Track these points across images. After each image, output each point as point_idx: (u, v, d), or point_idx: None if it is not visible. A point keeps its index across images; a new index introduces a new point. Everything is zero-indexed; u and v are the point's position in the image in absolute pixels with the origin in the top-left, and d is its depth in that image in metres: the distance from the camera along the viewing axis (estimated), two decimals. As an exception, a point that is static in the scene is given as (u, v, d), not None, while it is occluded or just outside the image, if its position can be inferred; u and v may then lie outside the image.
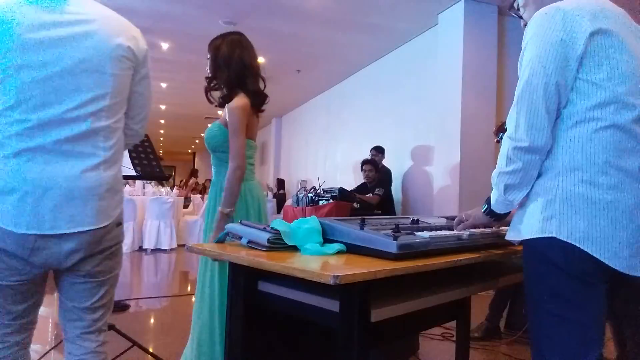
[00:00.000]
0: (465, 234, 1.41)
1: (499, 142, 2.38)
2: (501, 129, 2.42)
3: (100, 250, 1.29)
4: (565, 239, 1.12)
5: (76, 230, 1.21)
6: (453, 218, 1.62)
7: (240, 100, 1.96)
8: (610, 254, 1.10)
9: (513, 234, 1.26)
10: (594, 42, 1.13)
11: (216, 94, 2.10)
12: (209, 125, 2.09)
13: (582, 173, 1.13)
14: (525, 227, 1.21)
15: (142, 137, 1.54)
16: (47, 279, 1.33)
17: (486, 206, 1.36)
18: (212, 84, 2.08)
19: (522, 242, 1.25)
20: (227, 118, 1.96)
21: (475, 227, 1.46)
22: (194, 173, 12.46)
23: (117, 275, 1.39)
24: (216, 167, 2.07)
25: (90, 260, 1.28)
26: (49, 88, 1.19)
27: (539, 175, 1.21)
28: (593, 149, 1.13)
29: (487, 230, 1.51)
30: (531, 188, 1.23)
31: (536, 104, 1.14)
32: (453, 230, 1.49)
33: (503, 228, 1.55)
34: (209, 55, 2.08)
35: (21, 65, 1.17)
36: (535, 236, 1.17)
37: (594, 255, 1.10)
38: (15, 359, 1.26)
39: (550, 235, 1.14)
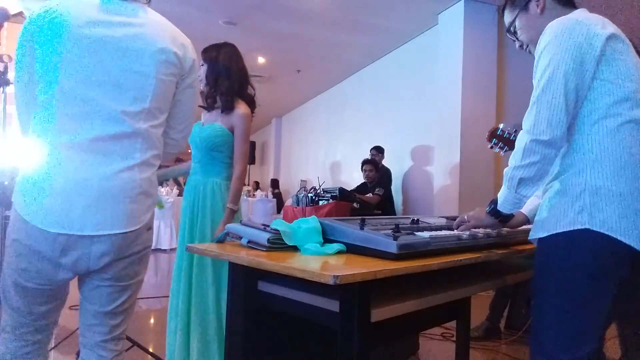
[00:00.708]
0: (465, 234, 1.41)
1: (492, 147, 2.39)
2: (494, 134, 2.42)
3: (129, 254, 1.26)
4: (598, 229, 1.18)
5: (106, 233, 1.19)
6: (453, 218, 1.62)
7: (247, 108, 2.14)
8: (638, 239, 1.18)
9: (541, 232, 1.29)
10: (609, 45, 1.22)
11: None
12: (206, 125, 2.15)
13: (608, 166, 1.20)
14: (554, 223, 1.25)
15: (183, 148, 1.51)
16: None
17: (491, 207, 1.38)
18: (212, 91, 2.15)
19: (542, 239, 1.28)
20: (234, 123, 2.10)
21: (477, 228, 1.47)
22: None
23: (141, 280, 1.36)
24: (206, 165, 2.13)
25: (118, 263, 1.25)
26: (91, 85, 1.18)
27: (563, 172, 1.26)
28: (616, 143, 1.20)
29: (488, 230, 1.51)
30: (555, 186, 1.27)
31: (557, 102, 1.20)
32: (453, 230, 1.49)
33: (503, 229, 1.56)
34: (203, 63, 2.15)
35: (67, 58, 1.16)
36: (566, 229, 1.22)
37: (625, 242, 1.17)
38: (33, 357, 1.25)
39: (583, 227, 1.19)
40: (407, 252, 1.20)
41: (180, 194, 8.64)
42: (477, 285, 1.52)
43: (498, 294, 3.22)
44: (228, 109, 2.10)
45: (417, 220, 1.60)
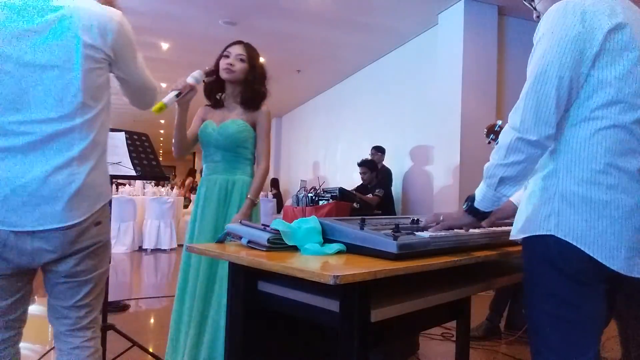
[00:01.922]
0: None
1: (490, 143, 2.40)
2: (492, 130, 2.43)
3: (77, 250, 1.27)
4: (563, 237, 1.11)
5: (44, 228, 1.19)
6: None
7: (268, 107, 2.25)
8: (607, 254, 1.09)
9: (515, 233, 1.25)
10: (610, 39, 1.11)
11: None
12: (226, 122, 2.13)
13: (582, 172, 1.12)
14: (525, 225, 1.20)
15: (151, 98, 1.52)
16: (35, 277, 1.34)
17: (468, 204, 1.30)
18: (243, 89, 2.17)
19: (522, 241, 1.23)
20: (258, 120, 2.18)
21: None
22: (191, 173, 12.47)
23: (102, 273, 1.37)
24: (231, 162, 2.13)
25: (67, 260, 1.26)
26: (18, 87, 1.18)
27: (538, 172, 1.20)
28: (595, 148, 1.11)
29: (488, 230, 1.50)
30: (531, 185, 1.22)
31: (547, 97, 1.11)
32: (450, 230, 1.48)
33: (503, 228, 1.55)
34: (244, 58, 2.14)
35: None
36: (533, 233, 1.17)
37: (591, 255, 1.09)
38: (2, 357, 1.26)
39: (548, 233, 1.13)
40: (407, 252, 1.20)
41: (179, 194, 8.65)
42: (477, 285, 1.52)
43: (498, 294, 3.22)
44: (256, 107, 2.18)
45: (417, 220, 1.60)
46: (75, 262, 1.27)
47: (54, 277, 1.29)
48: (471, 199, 1.29)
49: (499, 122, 2.45)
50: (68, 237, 1.23)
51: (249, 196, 2.07)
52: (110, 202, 1.37)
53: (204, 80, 2.12)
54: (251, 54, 2.18)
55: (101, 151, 1.32)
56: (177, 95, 1.95)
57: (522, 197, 1.27)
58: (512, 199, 1.69)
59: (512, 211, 1.68)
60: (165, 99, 1.84)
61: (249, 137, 2.14)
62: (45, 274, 1.30)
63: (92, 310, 1.37)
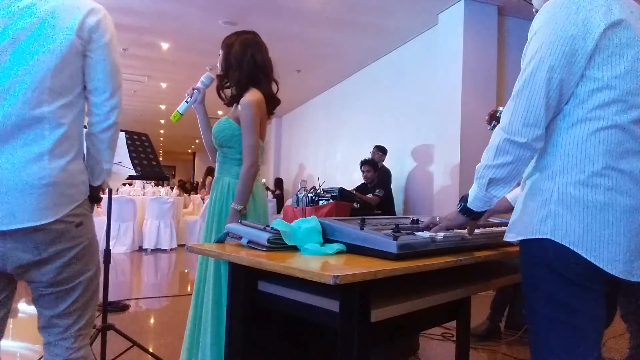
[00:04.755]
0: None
1: (492, 130, 2.39)
2: (494, 117, 2.42)
3: (56, 255, 1.17)
4: (560, 241, 1.09)
5: (14, 227, 1.09)
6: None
7: (254, 95, 1.93)
8: (606, 258, 1.06)
9: (510, 235, 1.23)
10: (606, 37, 1.08)
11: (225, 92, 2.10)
12: (217, 120, 2.07)
13: (579, 174, 1.09)
14: (521, 228, 1.18)
15: (112, 122, 1.28)
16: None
17: (462, 204, 1.30)
18: (224, 82, 2.05)
19: (518, 243, 1.21)
20: (239, 113, 1.93)
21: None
22: (210, 172, 12.06)
23: (91, 277, 1.28)
24: (220, 163, 2.04)
25: (48, 267, 1.17)
26: None
27: (534, 173, 1.18)
28: (592, 149, 1.09)
29: (487, 230, 1.51)
30: (527, 187, 1.20)
31: (537, 99, 1.09)
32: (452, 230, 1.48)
33: (503, 228, 1.55)
34: (221, 52, 2.05)
35: None
36: (530, 237, 1.14)
37: (589, 259, 1.07)
38: None
39: (545, 237, 1.11)
40: (407, 252, 1.20)
41: (179, 195, 8.66)
42: (477, 285, 1.52)
43: (498, 294, 3.22)
44: (236, 101, 1.97)
45: (417, 220, 1.60)
46: (57, 270, 1.18)
47: (38, 287, 1.21)
48: (464, 199, 1.28)
49: (500, 109, 2.44)
50: (47, 238, 1.14)
51: (232, 205, 1.89)
52: (101, 199, 1.33)
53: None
54: (224, 42, 2.03)
55: (77, 142, 1.22)
56: (188, 102, 2.04)
57: (518, 197, 1.25)
58: (507, 195, 1.68)
59: (503, 208, 1.68)
60: (180, 107, 2.02)
61: (232, 135, 1.94)
62: (30, 285, 1.21)
63: (81, 316, 1.28)
